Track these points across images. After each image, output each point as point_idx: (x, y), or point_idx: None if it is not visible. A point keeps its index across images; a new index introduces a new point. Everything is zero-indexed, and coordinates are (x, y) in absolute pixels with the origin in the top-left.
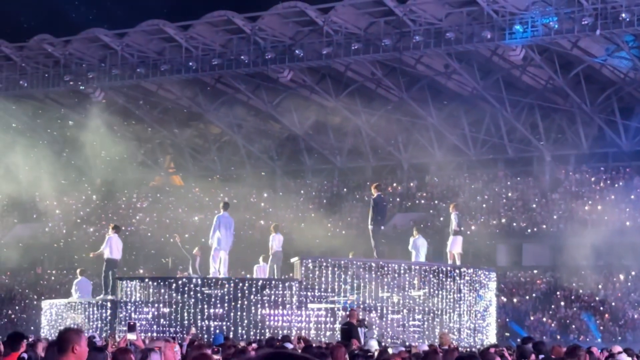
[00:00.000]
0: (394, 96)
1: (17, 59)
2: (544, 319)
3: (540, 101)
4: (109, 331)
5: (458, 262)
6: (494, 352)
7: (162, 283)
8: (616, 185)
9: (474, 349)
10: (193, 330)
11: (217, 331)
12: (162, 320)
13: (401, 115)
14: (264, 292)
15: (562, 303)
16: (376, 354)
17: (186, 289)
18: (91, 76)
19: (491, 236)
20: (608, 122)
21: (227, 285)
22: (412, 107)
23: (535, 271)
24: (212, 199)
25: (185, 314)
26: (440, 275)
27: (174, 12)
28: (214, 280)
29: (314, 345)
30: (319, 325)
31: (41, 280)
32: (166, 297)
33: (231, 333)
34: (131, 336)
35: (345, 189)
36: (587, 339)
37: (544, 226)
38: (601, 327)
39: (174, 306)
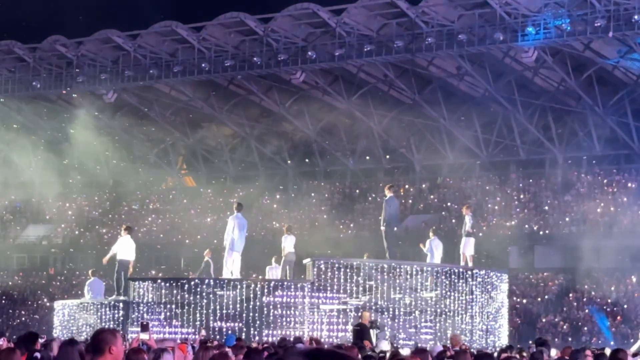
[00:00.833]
0: (407, 98)
1: (30, 60)
2: (556, 321)
3: (553, 103)
4: (120, 332)
5: (470, 264)
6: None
7: (174, 284)
8: (629, 186)
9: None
10: (203, 332)
11: (230, 332)
12: (174, 321)
13: (413, 117)
14: (276, 293)
15: (575, 305)
16: (388, 354)
17: (198, 290)
18: (104, 77)
19: (503, 238)
20: (620, 124)
21: (239, 287)
22: (424, 109)
23: (547, 273)
24: (224, 200)
25: (198, 315)
26: (453, 276)
27: (187, 13)
28: (226, 281)
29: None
30: (331, 327)
31: (53, 281)
32: (178, 298)
33: (243, 334)
34: (144, 336)
35: (357, 191)
36: (599, 341)
37: (556, 228)
38: (613, 329)
39: (187, 307)
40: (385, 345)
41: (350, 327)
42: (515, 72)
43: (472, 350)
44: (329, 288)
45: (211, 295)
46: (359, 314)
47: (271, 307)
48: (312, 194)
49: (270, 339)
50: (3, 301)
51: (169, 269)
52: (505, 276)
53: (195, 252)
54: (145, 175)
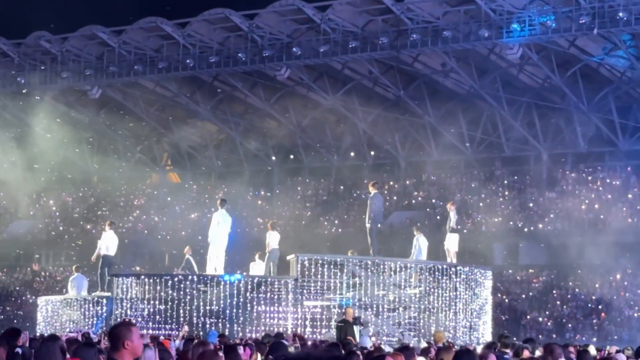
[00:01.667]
0: (392, 94)
1: (14, 55)
2: (540, 318)
3: (538, 100)
4: (104, 327)
5: (454, 260)
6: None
7: (158, 280)
8: (613, 184)
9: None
10: (186, 328)
11: (212, 328)
12: (157, 317)
13: (398, 114)
14: (260, 289)
15: (559, 302)
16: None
17: (182, 286)
18: (88, 73)
19: (488, 235)
20: (605, 121)
21: (223, 283)
22: (409, 106)
23: (531, 270)
24: (209, 196)
25: (181, 311)
26: (437, 273)
27: (172, 9)
28: (210, 277)
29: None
30: (315, 323)
31: (37, 277)
32: (162, 294)
33: (227, 330)
34: None
35: (342, 187)
36: (584, 338)
37: (541, 225)
38: (597, 327)
39: (170, 303)
40: (368, 342)
41: (333, 324)
42: (500, 69)
43: (455, 347)
44: (312, 284)
45: (194, 292)
46: (343, 310)
47: (255, 303)
48: (297, 190)
49: (253, 335)
50: None
51: (153, 265)
52: (490, 273)
53: (179, 248)
54: (129, 171)
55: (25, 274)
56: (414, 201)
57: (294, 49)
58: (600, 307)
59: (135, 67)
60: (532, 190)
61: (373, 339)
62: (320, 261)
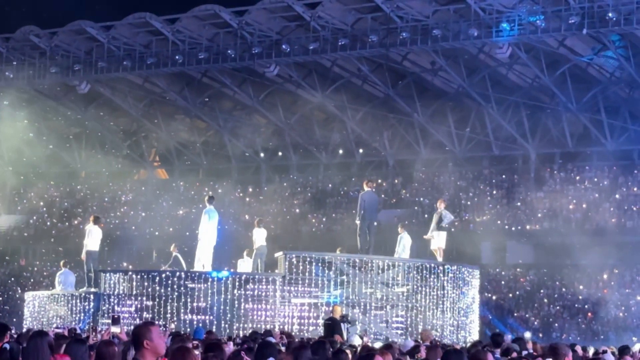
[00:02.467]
0: (380, 92)
1: (2, 49)
2: (527, 317)
3: (526, 99)
4: (91, 323)
5: (440, 258)
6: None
7: (145, 276)
8: (601, 184)
9: (456, 346)
10: (173, 325)
11: (200, 325)
12: (144, 313)
13: (387, 112)
14: (248, 286)
15: (546, 301)
16: (359, 349)
17: (169, 282)
18: (77, 68)
19: (475, 233)
20: (593, 122)
21: (210, 279)
22: (398, 104)
23: (519, 269)
24: (197, 192)
25: (169, 308)
26: (424, 271)
27: (161, 5)
28: (197, 274)
29: (296, 340)
30: (302, 320)
31: (24, 272)
32: (149, 290)
33: (214, 327)
34: (115, 329)
35: (330, 185)
36: (570, 337)
37: (529, 224)
38: (583, 326)
39: (157, 299)
40: (356, 340)
41: (321, 321)
42: (490, 68)
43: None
44: (300, 282)
45: (182, 288)
46: (331, 308)
47: (242, 300)
48: (285, 188)
49: (241, 333)
50: None
51: (141, 261)
52: (477, 272)
53: (167, 244)
54: (117, 166)
55: (12, 269)
56: (402, 199)
57: (284, 46)
58: (587, 306)
59: (124, 63)
60: (520, 189)
61: (365, 338)
62: (308, 259)
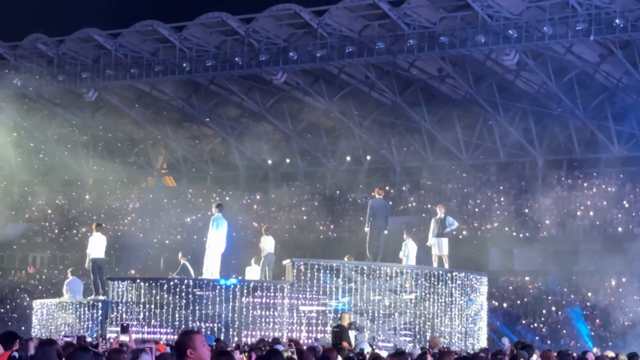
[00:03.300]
0: (388, 99)
1: (10, 57)
2: (535, 324)
3: (534, 106)
4: (99, 331)
5: (446, 265)
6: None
7: (153, 284)
8: (608, 190)
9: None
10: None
11: (209, 332)
12: (153, 321)
13: (394, 119)
14: (256, 294)
15: (553, 308)
16: (367, 356)
17: (178, 290)
18: (85, 76)
19: (483, 241)
20: (601, 128)
21: (218, 287)
22: (405, 111)
23: (527, 277)
24: (204, 200)
25: (177, 315)
26: (432, 279)
27: (168, 13)
28: (205, 281)
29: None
30: (310, 328)
31: (32, 280)
32: (157, 298)
33: (222, 335)
34: (124, 337)
35: (338, 192)
36: (578, 344)
37: (536, 231)
38: (592, 333)
39: (165, 307)
40: (364, 347)
41: (329, 329)
42: (497, 75)
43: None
44: (308, 289)
45: (190, 296)
46: (339, 315)
47: (250, 307)
48: (292, 195)
49: (249, 340)
50: None
51: (149, 269)
52: (485, 279)
53: (174, 252)
54: (125, 174)
55: (20, 277)
56: (409, 206)
57: (291, 54)
58: (595, 313)
59: (132, 71)
60: (527, 196)
61: (367, 345)
62: (316, 266)
